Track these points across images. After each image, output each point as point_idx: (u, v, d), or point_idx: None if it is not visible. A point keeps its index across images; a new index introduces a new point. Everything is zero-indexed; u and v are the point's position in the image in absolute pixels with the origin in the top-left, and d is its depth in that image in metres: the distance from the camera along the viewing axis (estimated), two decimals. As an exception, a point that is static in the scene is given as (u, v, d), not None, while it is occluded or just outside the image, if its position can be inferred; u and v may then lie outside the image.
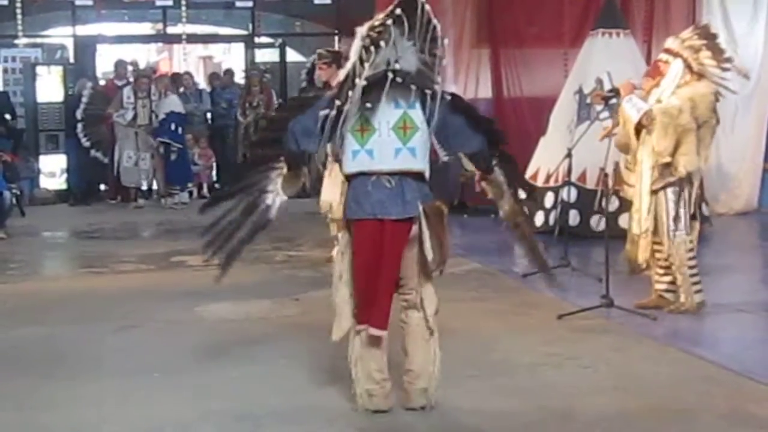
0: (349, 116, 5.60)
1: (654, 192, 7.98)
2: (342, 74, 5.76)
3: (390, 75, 5.53)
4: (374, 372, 5.86)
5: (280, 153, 5.80)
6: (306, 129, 5.69)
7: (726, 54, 8.13)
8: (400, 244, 5.71)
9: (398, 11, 5.48)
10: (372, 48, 5.53)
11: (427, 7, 5.58)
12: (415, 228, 5.73)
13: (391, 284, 5.78)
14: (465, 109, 5.84)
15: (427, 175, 5.78)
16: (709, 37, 8.11)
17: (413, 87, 5.60)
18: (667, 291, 8.26)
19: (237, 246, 5.94)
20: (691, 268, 8.10)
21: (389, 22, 5.49)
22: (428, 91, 5.59)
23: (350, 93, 5.56)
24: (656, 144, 7.85)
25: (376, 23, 5.57)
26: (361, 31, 5.63)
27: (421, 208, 5.72)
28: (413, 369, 5.90)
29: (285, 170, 5.82)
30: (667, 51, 8.13)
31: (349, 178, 5.79)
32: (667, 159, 7.86)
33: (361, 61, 5.58)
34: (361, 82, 5.55)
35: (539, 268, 6.42)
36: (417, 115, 5.66)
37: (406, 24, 5.49)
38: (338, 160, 5.85)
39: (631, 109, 7.98)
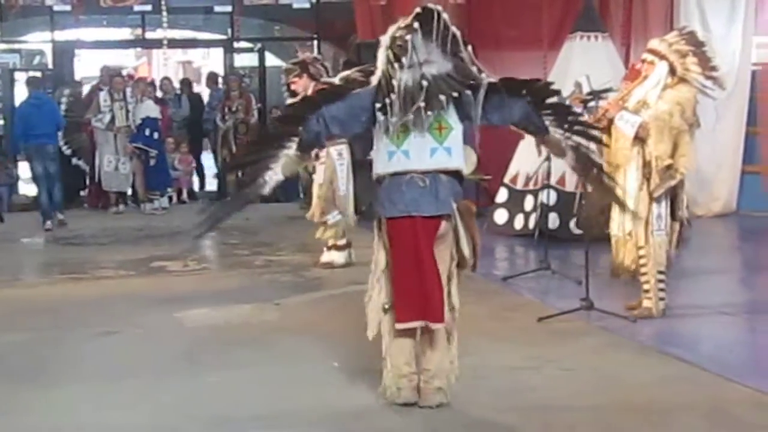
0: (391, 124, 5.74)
1: (653, 199, 7.99)
2: (375, 80, 5.83)
3: (425, 84, 5.63)
4: (403, 366, 5.96)
5: (297, 132, 5.83)
6: (336, 117, 5.82)
7: (712, 63, 8.15)
8: (432, 240, 5.83)
9: (416, 25, 5.65)
10: (399, 57, 5.65)
11: (444, 15, 5.73)
12: (444, 225, 5.84)
13: (439, 277, 5.86)
14: (503, 84, 5.82)
15: (464, 172, 5.90)
16: (696, 44, 8.12)
17: (442, 97, 5.67)
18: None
19: (225, 211, 6.01)
20: (660, 272, 8.11)
21: (408, 36, 5.64)
22: (456, 94, 5.69)
23: (388, 100, 5.68)
24: (654, 149, 7.85)
25: (398, 35, 5.70)
26: (384, 41, 5.77)
27: (455, 206, 5.83)
28: (430, 368, 5.99)
29: (293, 151, 5.85)
30: (653, 52, 8.14)
31: (380, 178, 5.89)
32: (669, 161, 7.87)
33: (391, 70, 5.69)
34: (399, 94, 5.65)
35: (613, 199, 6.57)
36: (451, 115, 5.79)
37: (425, 33, 5.65)
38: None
39: (625, 125, 7.98)
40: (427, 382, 5.98)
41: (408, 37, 5.63)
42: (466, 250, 5.93)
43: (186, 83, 19.34)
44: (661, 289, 8.15)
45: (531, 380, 6.58)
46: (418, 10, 5.71)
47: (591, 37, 12.44)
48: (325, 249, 10.56)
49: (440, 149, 5.78)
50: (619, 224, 8.18)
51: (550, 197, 11.37)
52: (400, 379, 5.97)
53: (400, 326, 5.89)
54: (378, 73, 5.79)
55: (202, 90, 20.25)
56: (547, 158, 10.16)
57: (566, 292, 8.88)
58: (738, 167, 14.27)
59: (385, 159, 5.83)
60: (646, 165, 7.96)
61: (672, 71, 8.01)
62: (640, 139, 7.92)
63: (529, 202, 12.07)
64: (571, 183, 11.38)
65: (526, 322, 8.06)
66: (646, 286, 8.15)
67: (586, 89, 10.98)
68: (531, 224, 11.75)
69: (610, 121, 8.10)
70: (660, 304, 8.14)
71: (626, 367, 6.84)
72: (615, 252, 8.32)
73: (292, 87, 10.56)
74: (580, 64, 12.03)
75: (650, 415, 5.89)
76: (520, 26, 14.82)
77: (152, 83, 18.14)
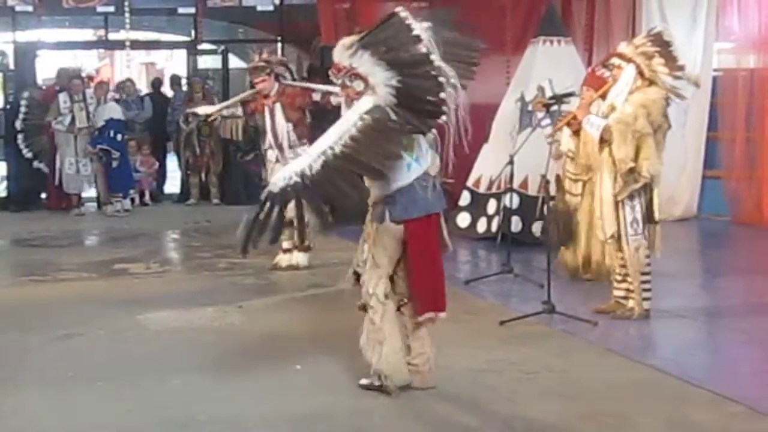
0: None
1: (623, 202, 8.03)
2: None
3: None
4: (400, 351, 6.31)
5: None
6: None
7: (679, 62, 8.19)
8: (438, 234, 6.35)
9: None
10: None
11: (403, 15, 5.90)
12: (441, 219, 6.38)
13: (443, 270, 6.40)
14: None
15: None
16: (662, 44, 8.15)
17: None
18: (625, 298, 8.31)
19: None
20: (645, 274, 8.17)
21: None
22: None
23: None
24: (617, 152, 7.88)
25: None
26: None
27: None
28: (427, 352, 6.43)
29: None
30: (620, 56, 8.18)
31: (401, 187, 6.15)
32: (631, 164, 7.90)
33: None
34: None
35: None
36: None
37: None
38: None
39: (591, 128, 8.04)
40: (424, 365, 6.40)
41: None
42: (447, 238, 6.45)
43: (156, 83, 19.25)
44: (646, 290, 8.21)
45: (493, 383, 6.60)
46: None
47: (554, 41, 12.47)
48: (279, 251, 10.52)
49: (430, 150, 6.26)
50: (600, 228, 8.21)
51: (512, 201, 11.42)
52: (400, 364, 6.29)
53: (422, 318, 6.31)
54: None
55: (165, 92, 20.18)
56: (510, 162, 10.21)
57: (528, 296, 8.92)
58: (699, 172, 14.36)
59: (405, 171, 6.10)
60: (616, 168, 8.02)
61: (641, 74, 8.06)
62: (607, 142, 7.97)
63: (491, 206, 12.10)
64: (533, 187, 11.41)
65: (488, 325, 8.09)
66: (626, 287, 8.23)
67: (548, 93, 11.09)
68: (494, 228, 11.78)
69: (580, 124, 8.16)
70: (645, 304, 8.20)
71: (587, 371, 6.88)
72: (574, 256, 8.37)
73: (257, 87, 10.49)
74: (543, 69, 12.11)
75: (610, 418, 5.92)
76: (484, 30, 14.78)
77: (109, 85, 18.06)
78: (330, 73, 6.17)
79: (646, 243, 8.13)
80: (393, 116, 5.82)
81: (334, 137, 5.74)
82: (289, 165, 5.97)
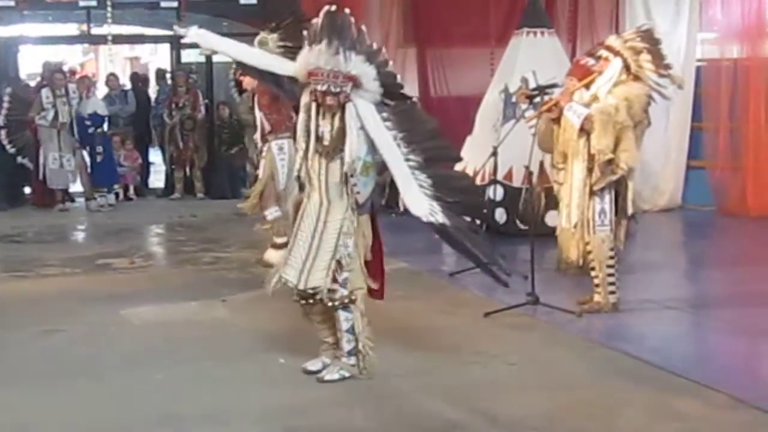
0: None
1: (593, 192, 8.03)
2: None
3: None
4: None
5: None
6: None
7: (666, 61, 8.20)
8: None
9: None
10: None
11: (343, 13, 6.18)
12: None
13: None
14: None
15: None
16: (651, 41, 8.17)
17: None
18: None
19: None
20: (610, 267, 8.17)
21: None
22: None
23: None
24: (597, 143, 7.88)
25: None
26: None
27: None
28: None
29: None
30: (608, 48, 8.19)
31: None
32: (610, 156, 7.91)
33: None
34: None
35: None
36: None
37: None
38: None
39: (573, 116, 8.03)
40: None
41: None
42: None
43: (136, 78, 19.21)
44: (611, 283, 8.21)
45: (477, 375, 6.61)
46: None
47: (537, 33, 12.46)
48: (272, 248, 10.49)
49: None
50: (565, 216, 8.22)
51: (497, 192, 11.42)
52: (370, 351, 6.52)
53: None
54: None
55: (150, 86, 20.13)
56: (494, 153, 10.20)
57: (512, 287, 8.89)
58: (683, 162, 14.39)
59: None
60: (591, 158, 8.01)
61: (626, 68, 8.06)
62: (585, 132, 7.97)
63: (476, 198, 12.08)
64: (518, 178, 11.41)
65: (473, 317, 8.09)
66: (596, 281, 8.21)
67: (532, 84, 11.09)
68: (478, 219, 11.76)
69: (561, 111, 8.15)
70: (611, 298, 8.20)
71: (571, 362, 6.90)
72: (560, 246, 8.37)
73: (244, 84, 10.47)
74: (527, 60, 12.11)
75: (594, 409, 5.93)
76: (468, 23, 14.84)
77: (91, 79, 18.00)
78: (319, 80, 6.15)
79: (612, 235, 8.13)
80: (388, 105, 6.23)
81: (395, 157, 6.18)
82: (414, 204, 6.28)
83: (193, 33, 6.95)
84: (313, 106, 6.24)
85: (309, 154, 6.29)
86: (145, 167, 18.06)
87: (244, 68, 7.46)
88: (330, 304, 6.37)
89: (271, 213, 10.19)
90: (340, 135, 6.20)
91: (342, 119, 6.19)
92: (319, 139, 6.26)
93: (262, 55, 7.28)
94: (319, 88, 6.14)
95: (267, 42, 9.73)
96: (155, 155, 18.80)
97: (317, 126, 6.26)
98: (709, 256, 11.58)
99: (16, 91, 16.28)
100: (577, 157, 8.08)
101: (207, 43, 6.89)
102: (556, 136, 8.30)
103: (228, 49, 6.99)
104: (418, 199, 6.21)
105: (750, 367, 7.24)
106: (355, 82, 6.11)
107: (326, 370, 6.49)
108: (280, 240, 10.03)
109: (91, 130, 15.56)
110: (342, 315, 6.39)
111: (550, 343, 7.39)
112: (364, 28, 6.18)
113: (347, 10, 6.16)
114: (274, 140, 9.91)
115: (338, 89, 6.12)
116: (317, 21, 6.17)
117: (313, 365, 6.58)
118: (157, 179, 18.36)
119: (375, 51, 6.17)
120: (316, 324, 6.60)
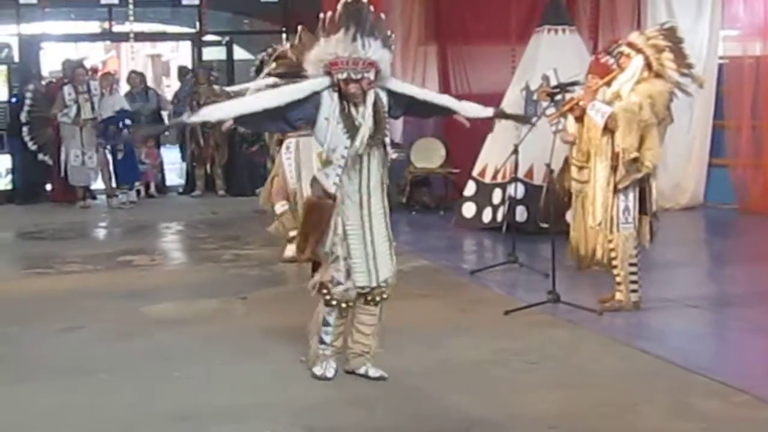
0: None
1: (617, 190, 8.00)
2: None
3: None
4: None
5: None
6: None
7: (688, 60, 8.16)
8: None
9: None
10: None
11: None
12: None
13: None
14: None
15: None
16: (674, 40, 8.13)
17: None
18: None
19: None
20: (632, 265, 8.14)
21: None
22: None
23: None
24: (622, 141, 7.85)
25: None
26: None
27: None
28: None
29: None
30: (630, 45, 8.15)
31: None
32: (635, 154, 7.88)
33: None
34: None
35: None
36: None
37: None
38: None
39: (596, 114, 7.99)
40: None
41: None
42: None
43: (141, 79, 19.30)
44: (633, 282, 8.18)
45: (497, 373, 6.59)
46: None
47: (558, 30, 12.43)
48: (287, 243, 10.49)
49: None
50: (592, 215, 8.19)
51: (517, 190, 11.36)
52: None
53: None
54: None
55: (172, 83, 20.15)
56: (515, 151, 10.17)
57: (533, 285, 8.89)
58: (705, 160, 14.33)
59: None
60: (614, 156, 7.98)
61: (648, 65, 8.03)
62: (609, 130, 7.94)
63: (497, 196, 12.06)
64: (539, 176, 11.37)
65: (493, 315, 8.07)
66: (618, 279, 8.17)
67: (553, 82, 11.05)
68: (499, 217, 11.75)
69: (583, 110, 8.12)
70: (633, 296, 8.16)
71: (592, 360, 6.87)
72: (577, 244, 8.35)
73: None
74: (548, 58, 12.08)
75: (614, 408, 5.90)
76: (488, 20, 14.81)
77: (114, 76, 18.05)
78: (339, 69, 6.05)
79: (636, 233, 8.10)
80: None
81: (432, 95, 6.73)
82: None
83: (193, 119, 7.11)
84: (345, 106, 6.12)
85: (354, 152, 6.14)
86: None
87: (243, 125, 7.81)
88: (386, 296, 6.36)
89: (280, 207, 10.24)
90: (377, 119, 6.14)
91: (374, 105, 6.13)
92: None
93: (270, 95, 6.68)
94: (339, 76, 6.06)
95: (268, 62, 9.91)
96: (168, 153, 18.78)
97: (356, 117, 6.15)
98: (731, 254, 11.53)
99: (38, 88, 16.32)
100: (601, 156, 8.06)
101: (211, 116, 6.51)
102: (579, 134, 8.27)
103: (231, 112, 6.48)
104: (471, 105, 6.63)
105: (772, 366, 7.20)
106: (376, 68, 6.07)
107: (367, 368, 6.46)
108: (292, 233, 10.06)
109: (121, 124, 15.51)
110: (377, 309, 6.39)
111: (571, 341, 7.36)
112: (383, 15, 6.14)
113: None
114: (286, 139, 9.94)
115: (359, 75, 6.02)
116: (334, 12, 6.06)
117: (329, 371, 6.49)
118: (171, 178, 18.35)
119: (390, 36, 6.15)
120: (336, 327, 6.49)
